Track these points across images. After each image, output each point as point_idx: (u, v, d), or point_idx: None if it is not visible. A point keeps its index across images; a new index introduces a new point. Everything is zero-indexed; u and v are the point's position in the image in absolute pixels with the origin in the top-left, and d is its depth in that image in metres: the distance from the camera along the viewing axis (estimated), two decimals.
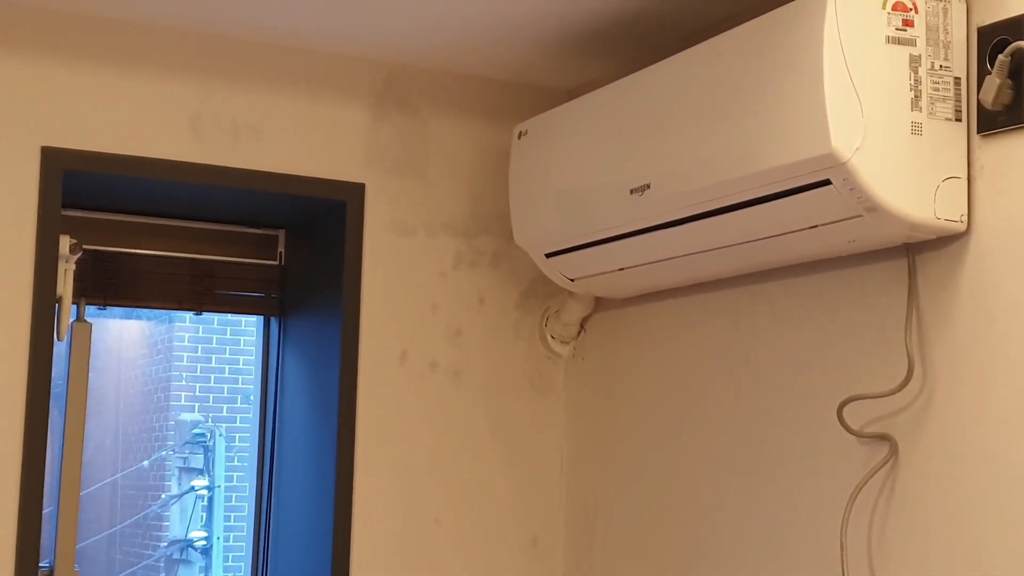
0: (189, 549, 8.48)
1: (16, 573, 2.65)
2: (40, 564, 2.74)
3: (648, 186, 2.46)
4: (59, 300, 2.78)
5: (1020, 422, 2.04)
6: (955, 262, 2.17)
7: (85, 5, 2.75)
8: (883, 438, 2.28)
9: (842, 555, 2.29)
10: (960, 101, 2.14)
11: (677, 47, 2.48)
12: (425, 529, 3.06)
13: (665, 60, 2.49)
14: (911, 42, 2.10)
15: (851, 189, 2.06)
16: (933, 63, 2.11)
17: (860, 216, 2.11)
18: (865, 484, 2.28)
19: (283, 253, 3.29)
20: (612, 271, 2.74)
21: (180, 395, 8.76)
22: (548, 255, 2.84)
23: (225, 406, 8.73)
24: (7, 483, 2.66)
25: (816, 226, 2.20)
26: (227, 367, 8.76)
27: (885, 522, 2.27)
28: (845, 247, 2.28)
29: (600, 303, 3.12)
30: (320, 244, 3.15)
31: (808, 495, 2.45)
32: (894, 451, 2.26)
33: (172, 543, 8.57)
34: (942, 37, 2.13)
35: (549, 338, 3.20)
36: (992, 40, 2.11)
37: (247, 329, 8.41)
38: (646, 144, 2.49)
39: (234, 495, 8.46)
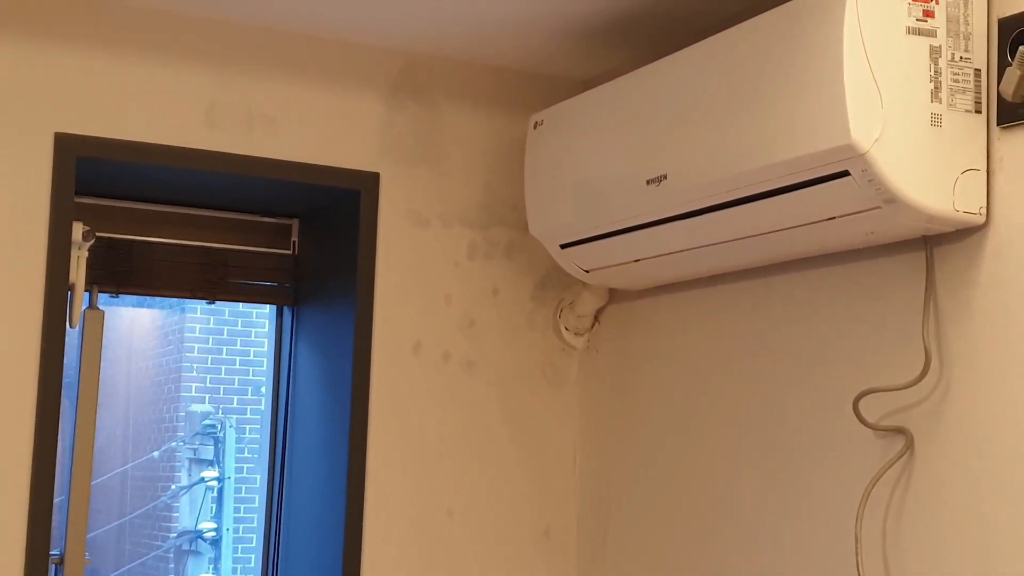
0: (199, 540, 8.50)
1: (27, 561, 2.65)
2: (51, 552, 2.74)
3: (665, 177, 2.45)
4: (72, 287, 2.78)
5: None
6: (973, 255, 2.16)
7: None
8: (899, 431, 2.26)
9: (857, 548, 2.27)
10: (980, 93, 2.12)
11: (694, 39, 2.46)
12: (438, 520, 3.05)
13: (683, 50, 2.47)
14: (931, 33, 2.08)
15: (870, 180, 2.05)
16: (953, 54, 2.10)
17: (878, 208, 2.10)
18: (880, 477, 2.27)
19: (296, 242, 3.28)
20: (627, 262, 2.73)
21: (191, 386, 8.78)
22: (563, 246, 2.83)
23: (235, 397, 8.75)
24: (19, 472, 2.66)
25: (834, 218, 2.19)
26: (238, 358, 8.78)
27: (900, 516, 2.26)
28: (863, 239, 2.27)
29: (614, 295, 3.11)
30: (334, 234, 3.14)
31: (823, 488, 2.44)
32: (910, 444, 2.25)
33: (182, 534, 8.59)
34: (962, 28, 2.11)
35: (563, 330, 3.19)
36: (1013, 32, 2.10)
37: (258, 320, 8.44)
38: (663, 135, 2.48)
39: (244, 486, 8.49)
